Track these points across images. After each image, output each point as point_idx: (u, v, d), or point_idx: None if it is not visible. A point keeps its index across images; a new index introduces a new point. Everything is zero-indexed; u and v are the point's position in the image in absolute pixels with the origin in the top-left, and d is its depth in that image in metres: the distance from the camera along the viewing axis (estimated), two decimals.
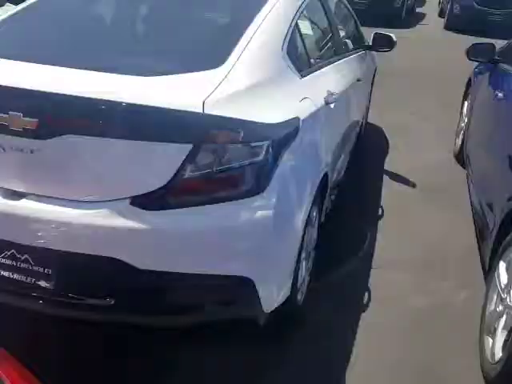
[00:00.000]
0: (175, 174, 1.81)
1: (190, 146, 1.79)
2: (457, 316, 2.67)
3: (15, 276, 1.94)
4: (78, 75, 1.96)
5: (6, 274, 1.94)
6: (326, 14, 3.26)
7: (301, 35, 2.65)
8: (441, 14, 13.64)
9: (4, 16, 2.61)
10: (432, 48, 9.58)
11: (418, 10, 14.66)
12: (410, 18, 12.99)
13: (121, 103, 1.80)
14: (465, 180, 3.94)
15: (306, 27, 2.86)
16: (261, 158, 1.88)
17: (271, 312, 2.11)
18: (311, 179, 2.26)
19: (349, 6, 4.08)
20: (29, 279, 1.92)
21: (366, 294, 2.80)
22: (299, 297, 2.44)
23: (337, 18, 3.64)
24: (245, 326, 2.18)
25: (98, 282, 1.90)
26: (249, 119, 1.88)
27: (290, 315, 2.41)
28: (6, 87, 1.90)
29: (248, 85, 2.03)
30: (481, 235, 2.95)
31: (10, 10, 3.88)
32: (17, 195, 1.90)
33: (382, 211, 3.71)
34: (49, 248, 1.87)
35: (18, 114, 1.82)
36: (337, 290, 2.80)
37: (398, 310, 2.69)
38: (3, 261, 1.94)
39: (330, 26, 3.31)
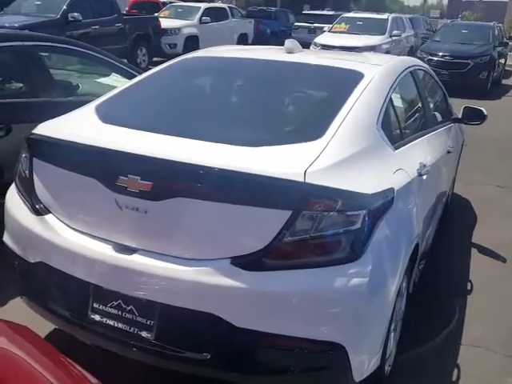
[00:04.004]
0: (274, 238, 1.90)
1: (289, 213, 1.89)
2: None
3: (119, 325, 2.08)
4: (190, 144, 2.14)
5: (111, 322, 2.09)
6: (417, 87, 3.35)
7: (394, 109, 2.75)
8: None
9: (120, 88, 2.89)
10: None
11: (504, 81, 14.45)
12: (496, 90, 12.83)
13: (228, 170, 1.94)
14: None
15: (398, 101, 2.96)
16: (357, 226, 1.94)
17: (361, 381, 2.09)
18: (404, 249, 2.28)
19: (437, 78, 4.15)
20: (132, 329, 2.05)
21: (455, 370, 2.68)
22: (387, 368, 2.40)
23: (427, 91, 3.72)
24: None
25: (196, 336, 2.00)
26: (346, 189, 1.96)
27: None
28: (126, 153, 2.10)
29: (345, 156, 2.12)
30: None
31: (116, 79, 4.30)
32: (129, 250, 2.06)
33: (471, 286, 3.59)
34: (153, 300, 2.01)
35: (136, 177, 2.01)
36: (424, 365, 2.71)
37: None
38: (110, 310, 2.09)
39: (421, 99, 3.38)
